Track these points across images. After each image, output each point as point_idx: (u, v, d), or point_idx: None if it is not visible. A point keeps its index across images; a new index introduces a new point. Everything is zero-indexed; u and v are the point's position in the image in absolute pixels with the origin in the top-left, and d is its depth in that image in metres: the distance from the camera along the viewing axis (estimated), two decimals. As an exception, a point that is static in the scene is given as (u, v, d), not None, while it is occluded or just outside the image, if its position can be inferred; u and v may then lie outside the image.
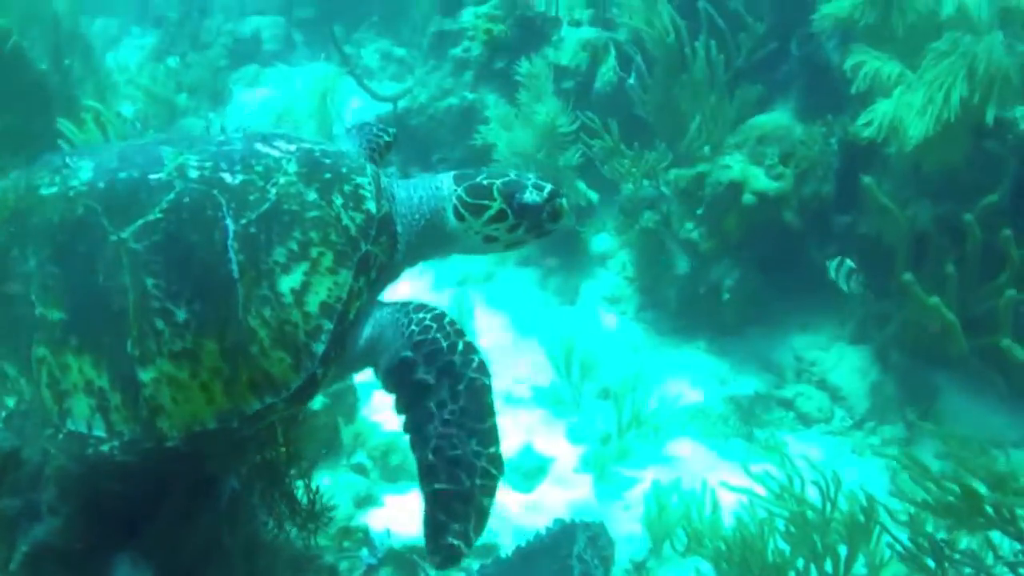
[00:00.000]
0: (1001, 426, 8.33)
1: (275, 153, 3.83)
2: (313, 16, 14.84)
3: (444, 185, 4.11)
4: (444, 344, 3.74)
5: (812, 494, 5.77)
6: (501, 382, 8.23)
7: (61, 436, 3.49)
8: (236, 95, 13.99)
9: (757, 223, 8.66)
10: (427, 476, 3.60)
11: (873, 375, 8.50)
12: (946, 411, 8.41)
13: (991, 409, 8.44)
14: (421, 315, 3.83)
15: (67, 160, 3.77)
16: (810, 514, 5.72)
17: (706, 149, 8.73)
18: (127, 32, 17.01)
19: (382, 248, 3.87)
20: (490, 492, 3.60)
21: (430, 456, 3.59)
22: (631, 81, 9.41)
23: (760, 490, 5.85)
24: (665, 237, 9.12)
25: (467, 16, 10.81)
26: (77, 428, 3.47)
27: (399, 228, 4.02)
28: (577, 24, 10.64)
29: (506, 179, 4.08)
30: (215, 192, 3.63)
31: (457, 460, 3.57)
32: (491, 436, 3.64)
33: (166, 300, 3.47)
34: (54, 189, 3.66)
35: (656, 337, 9.33)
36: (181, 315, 3.46)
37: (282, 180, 3.72)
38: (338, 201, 3.77)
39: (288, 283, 3.57)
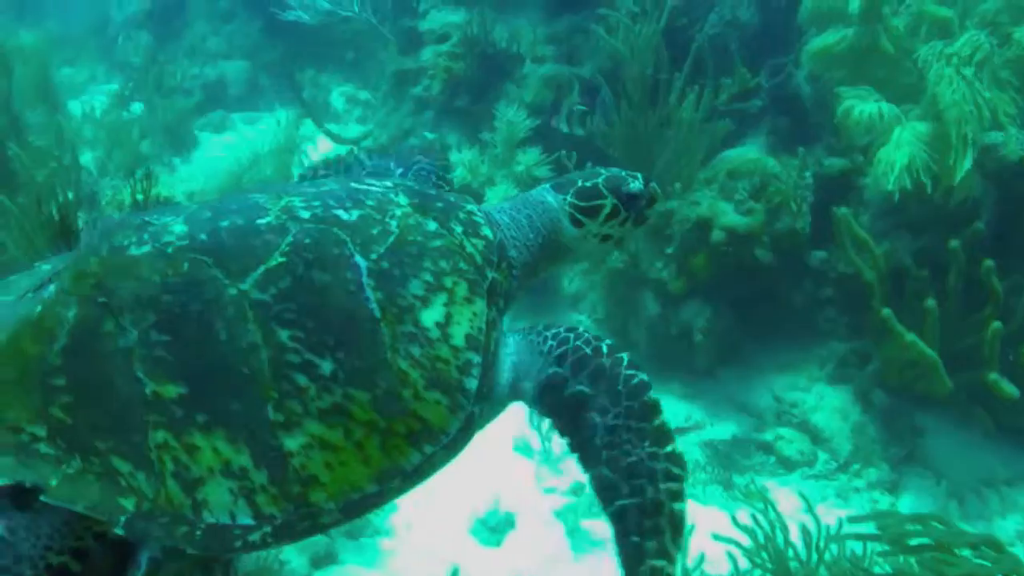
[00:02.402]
0: (991, 464, 8.09)
1: (375, 188, 3.71)
2: (279, 59, 14.62)
3: (548, 198, 4.09)
4: (588, 350, 3.61)
5: (796, 541, 5.45)
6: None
7: (199, 533, 3.05)
8: (202, 141, 13.73)
9: (728, 261, 8.34)
10: (606, 493, 3.40)
11: (855, 415, 8.19)
12: (932, 451, 8.14)
13: (979, 447, 8.20)
14: (554, 330, 3.71)
15: (146, 218, 3.45)
16: (793, 564, 5.40)
17: (676, 186, 8.44)
18: (95, 78, 16.78)
19: (503, 275, 3.77)
20: (679, 496, 3.40)
21: (604, 471, 3.40)
22: (595, 117, 9.14)
23: (743, 539, 5.52)
24: (634, 277, 8.82)
25: (427, 54, 10.56)
26: (218, 520, 3.06)
27: (512, 252, 3.94)
28: (540, 60, 10.38)
29: (604, 175, 4.08)
30: (335, 229, 3.42)
31: (634, 468, 3.38)
32: (664, 434, 3.47)
33: (306, 352, 3.19)
34: (146, 248, 3.29)
35: (628, 381, 8.93)
36: (327, 367, 3.19)
37: (398, 212, 3.59)
38: (458, 229, 3.67)
39: (431, 317, 3.38)
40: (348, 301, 3.29)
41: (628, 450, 3.39)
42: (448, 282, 3.48)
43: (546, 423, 7.88)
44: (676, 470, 3.41)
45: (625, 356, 3.63)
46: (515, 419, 8.02)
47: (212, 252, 3.28)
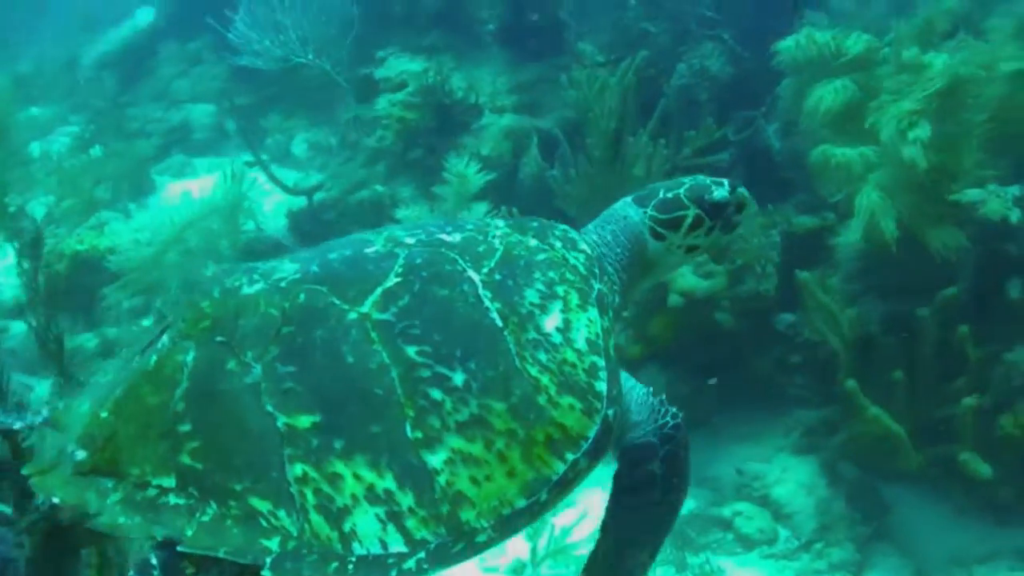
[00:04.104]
0: (963, 542, 7.72)
1: (471, 221, 3.78)
2: (247, 104, 14.26)
3: (630, 213, 4.07)
4: (683, 454, 3.71)
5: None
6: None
7: (351, 567, 2.92)
8: (161, 186, 13.38)
9: (687, 325, 7.96)
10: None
11: (821, 490, 7.79)
12: (900, 527, 7.75)
13: (951, 523, 7.84)
14: (673, 410, 3.76)
15: (252, 264, 3.47)
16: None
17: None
18: (64, 119, 16.42)
19: (607, 288, 3.76)
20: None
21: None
22: (553, 172, 8.75)
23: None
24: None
25: (383, 103, 10.24)
26: (370, 551, 2.94)
27: (609, 268, 3.94)
28: (500, 111, 10.05)
29: (688, 185, 4.05)
30: (443, 250, 3.47)
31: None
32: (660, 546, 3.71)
33: (436, 365, 3.17)
34: (260, 285, 3.29)
35: (582, 451, 8.51)
36: (459, 378, 3.17)
37: (499, 232, 3.65)
38: (558, 244, 3.72)
39: (551, 323, 3.40)
40: (469, 312, 3.31)
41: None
42: (560, 291, 3.50)
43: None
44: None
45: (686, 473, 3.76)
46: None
47: (327, 281, 3.28)
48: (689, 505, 7.80)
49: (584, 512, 7.38)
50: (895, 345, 7.33)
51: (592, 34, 10.21)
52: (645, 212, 4.03)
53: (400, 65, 10.37)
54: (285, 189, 10.34)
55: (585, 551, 7.10)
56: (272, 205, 10.86)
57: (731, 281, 7.96)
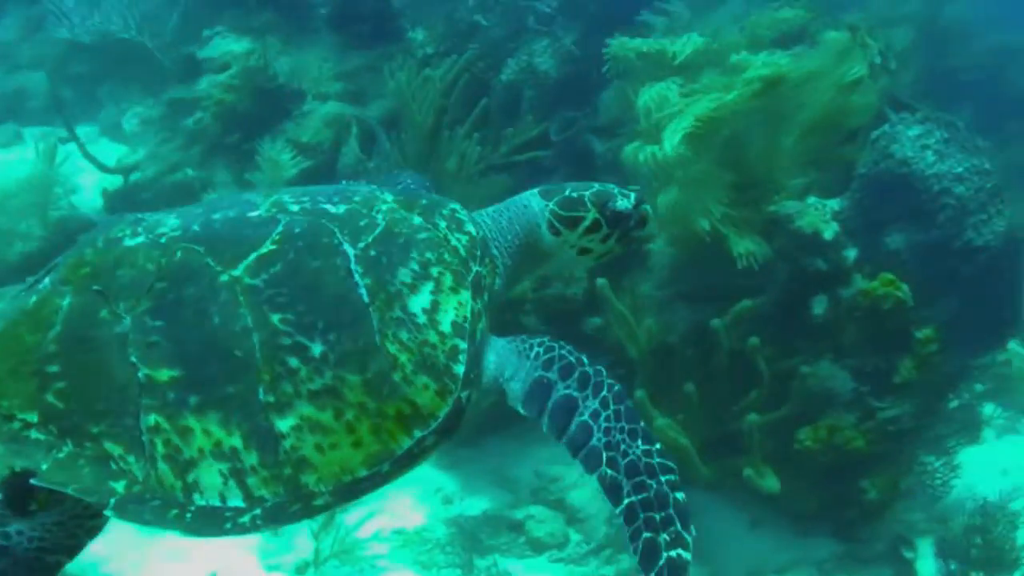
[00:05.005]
0: (761, 551, 7.82)
1: (363, 188, 3.85)
2: (87, 72, 13.79)
3: (532, 203, 4.12)
4: (572, 359, 3.74)
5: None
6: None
7: (189, 516, 3.07)
8: (-13, 156, 12.80)
9: (493, 328, 7.87)
10: (613, 493, 3.53)
11: (618, 495, 7.79)
12: (698, 536, 7.78)
13: (749, 532, 7.93)
14: (539, 339, 3.82)
15: (140, 216, 3.53)
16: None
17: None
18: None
19: (488, 270, 3.83)
20: (679, 487, 3.59)
21: (607, 471, 3.53)
22: (371, 164, 8.63)
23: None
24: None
25: (204, 84, 10.01)
26: (209, 502, 3.09)
27: (494, 251, 3.98)
28: (324, 98, 9.88)
29: (595, 189, 4.10)
30: (323, 221, 3.51)
31: (632, 465, 3.55)
32: (650, 434, 3.66)
33: (297, 334, 3.25)
34: (141, 239, 3.36)
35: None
36: (317, 349, 3.25)
37: (384, 207, 3.69)
38: (442, 224, 3.77)
39: (418, 303, 3.47)
40: (338, 286, 3.37)
41: (625, 450, 3.54)
42: (434, 271, 3.56)
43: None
44: (670, 463, 3.60)
45: (602, 367, 3.77)
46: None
47: (205, 241, 3.34)
48: (483, 506, 7.82)
49: (371, 512, 7.34)
50: (694, 356, 7.36)
51: (426, 24, 10.08)
52: (547, 205, 4.08)
53: (225, 45, 10.12)
54: (100, 167, 10.03)
55: (371, 551, 7.10)
56: (92, 182, 10.54)
57: (537, 284, 7.92)
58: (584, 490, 7.88)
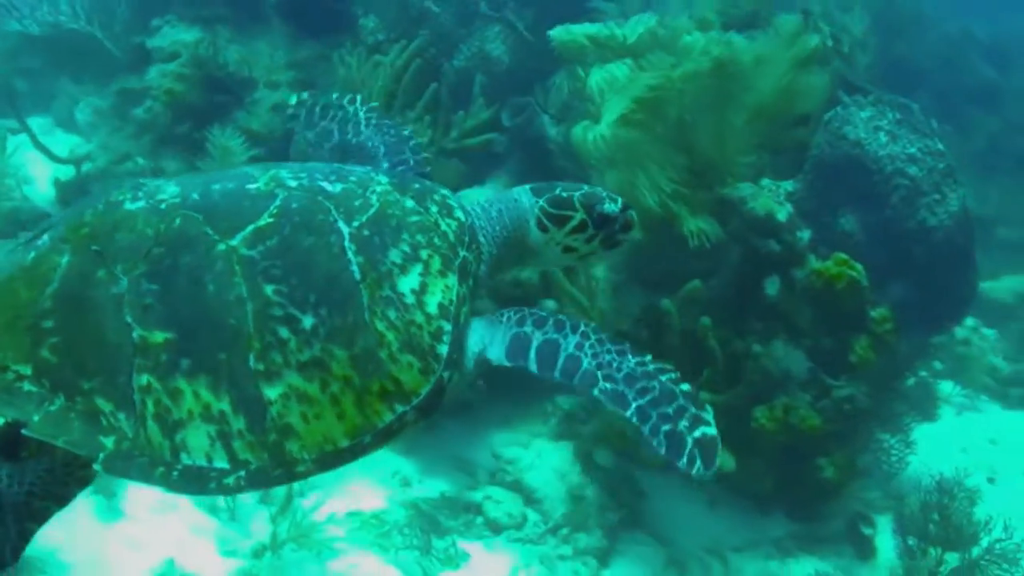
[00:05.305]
0: (721, 531, 7.84)
1: (359, 169, 3.94)
2: (40, 64, 13.65)
3: (522, 198, 4.26)
4: (544, 314, 3.93)
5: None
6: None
7: (175, 474, 3.20)
8: (-65, 148, 12.62)
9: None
10: (618, 402, 3.72)
11: (574, 476, 7.85)
12: (656, 515, 7.82)
13: (707, 512, 7.94)
14: (511, 309, 4.02)
15: (141, 181, 3.63)
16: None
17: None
18: None
19: (474, 256, 3.95)
20: (680, 381, 3.79)
21: (606, 385, 3.73)
22: (324, 150, 8.54)
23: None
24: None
25: (153, 74, 9.92)
26: (195, 462, 3.21)
27: (481, 239, 4.10)
28: (275, 87, 9.82)
29: (584, 191, 4.24)
30: (320, 198, 3.61)
31: (631, 375, 3.75)
32: (639, 353, 3.87)
33: (289, 306, 3.35)
34: (141, 204, 3.48)
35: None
36: (307, 321, 3.35)
37: (379, 189, 3.78)
38: (433, 208, 3.87)
39: (408, 284, 3.57)
40: (331, 262, 3.46)
41: (618, 365, 3.77)
42: (424, 254, 3.66)
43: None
44: (666, 365, 3.82)
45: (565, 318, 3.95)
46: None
47: (203, 210, 3.44)
48: (442, 488, 7.80)
49: (329, 495, 7.34)
50: (647, 337, 7.36)
51: (378, 11, 10.02)
52: (537, 202, 4.22)
53: (174, 34, 10.01)
54: (52, 158, 9.92)
55: (329, 534, 7.07)
56: (45, 173, 10.42)
57: (491, 268, 7.89)
58: (542, 471, 7.90)
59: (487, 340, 3.88)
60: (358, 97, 5.00)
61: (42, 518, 3.32)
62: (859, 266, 7.67)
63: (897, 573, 7.58)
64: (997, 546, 7.41)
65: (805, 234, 8.28)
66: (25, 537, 3.31)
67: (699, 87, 7.25)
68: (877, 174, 8.82)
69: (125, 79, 10.14)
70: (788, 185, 8.72)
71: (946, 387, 10.89)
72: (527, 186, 4.36)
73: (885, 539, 8.03)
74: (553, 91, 9.08)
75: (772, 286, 7.66)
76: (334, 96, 5.00)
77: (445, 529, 7.43)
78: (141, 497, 7.06)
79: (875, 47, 13.11)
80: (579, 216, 4.19)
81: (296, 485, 7.28)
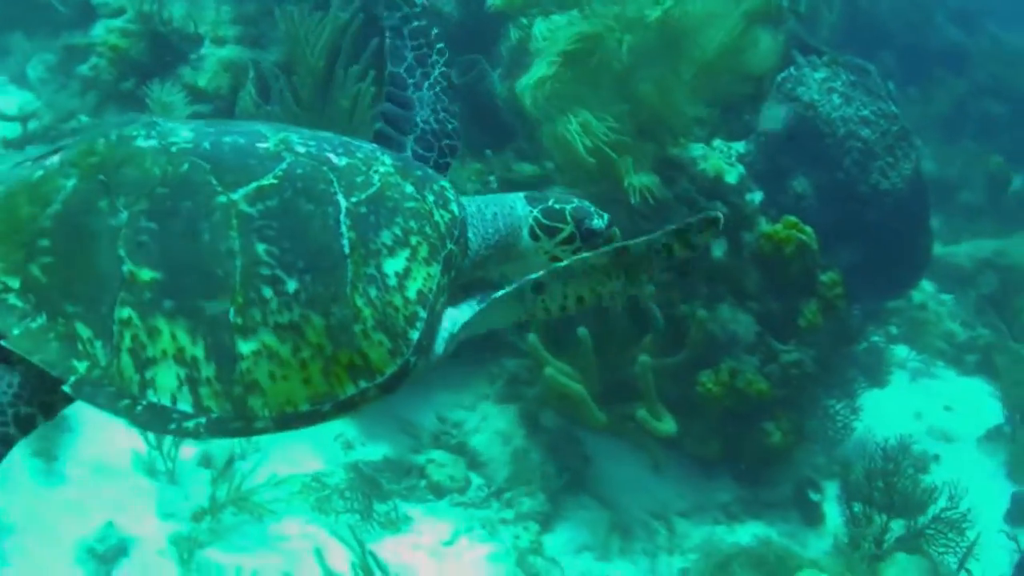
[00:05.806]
0: (667, 496, 7.81)
1: (366, 145, 3.97)
2: (-8, 17, 13.47)
3: (517, 205, 4.26)
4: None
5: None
6: (86, 450, 7.16)
7: (139, 409, 3.22)
8: None
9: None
10: None
11: (518, 440, 7.80)
12: (601, 479, 7.79)
13: (655, 478, 7.90)
14: (477, 297, 3.95)
15: (156, 120, 3.61)
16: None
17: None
18: None
19: (460, 251, 3.94)
20: None
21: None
22: (269, 108, 8.43)
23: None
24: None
25: (99, 30, 9.76)
26: (160, 401, 3.24)
27: (471, 236, 4.08)
28: (220, 42, 9.68)
29: (575, 204, 4.22)
30: (325, 168, 3.65)
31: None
32: None
33: (277, 268, 3.37)
34: (153, 143, 3.47)
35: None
36: (291, 285, 3.37)
37: (382, 169, 3.81)
38: (430, 198, 3.89)
39: (393, 266, 3.59)
40: (324, 233, 3.49)
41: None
42: (413, 240, 3.67)
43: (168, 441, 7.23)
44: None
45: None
46: (136, 435, 7.30)
47: (212, 160, 3.47)
48: (385, 451, 7.74)
49: (269, 458, 7.28)
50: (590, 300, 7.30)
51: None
52: (531, 211, 4.22)
53: (120, -12, 9.93)
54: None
55: (268, 497, 7.02)
56: (-8, 132, 10.30)
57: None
58: (486, 434, 7.86)
59: (453, 321, 3.86)
60: (447, 50, 4.90)
61: (29, 426, 3.32)
62: (809, 229, 7.65)
63: (842, 540, 7.59)
64: (944, 514, 7.43)
65: (756, 196, 8.26)
66: (7, 442, 3.30)
67: (644, 37, 7.13)
68: (830, 136, 8.78)
69: (70, 35, 9.99)
70: (740, 147, 8.67)
71: (901, 352, 10.91)
72: (521, 194, 4.39)
73: (833, 506, 8.04)
74: (504, 46, 8.95)
75: (719, 248, 7.62)
76: (434, 31, 4.91)
77: (387, 492, 7.38)
78: (81, 460, 7.01)
79: (841, 6, 13.08)
80: (569, 229, 4.18)
81: (237, 448, 7.26)
